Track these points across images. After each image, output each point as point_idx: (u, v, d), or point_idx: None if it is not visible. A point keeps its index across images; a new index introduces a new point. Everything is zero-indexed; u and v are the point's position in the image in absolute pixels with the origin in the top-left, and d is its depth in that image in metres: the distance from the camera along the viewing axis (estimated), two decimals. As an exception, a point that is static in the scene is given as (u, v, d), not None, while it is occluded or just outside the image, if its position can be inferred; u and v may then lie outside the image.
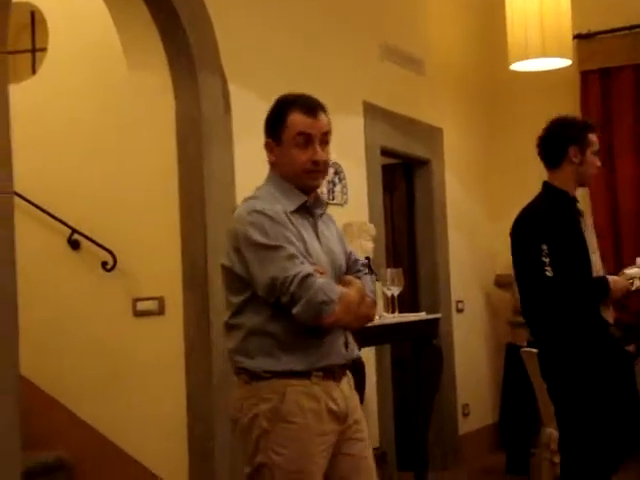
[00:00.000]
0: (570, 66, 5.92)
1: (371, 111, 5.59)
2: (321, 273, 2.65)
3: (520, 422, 5.93)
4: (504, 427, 6.38)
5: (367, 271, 2.95)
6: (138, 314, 4.40)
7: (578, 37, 6.52)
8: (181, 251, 4.25)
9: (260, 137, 4.52)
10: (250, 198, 2.81)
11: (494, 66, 6.84)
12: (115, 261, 4.45)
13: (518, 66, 5.71)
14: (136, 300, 4.40)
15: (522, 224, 3.87)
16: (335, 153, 5.03)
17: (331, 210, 4.94)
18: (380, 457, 4.99)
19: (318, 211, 2.85)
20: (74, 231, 4.56)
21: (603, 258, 4.09)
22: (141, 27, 4.22)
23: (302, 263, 2.61)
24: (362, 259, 3.03)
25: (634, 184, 6.54)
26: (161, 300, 4.34)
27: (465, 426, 6.52)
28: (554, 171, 3.87)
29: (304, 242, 2.70)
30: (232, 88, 4.37)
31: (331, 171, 5.07)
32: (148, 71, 4.32)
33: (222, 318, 4.10)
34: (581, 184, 3.92)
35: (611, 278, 3.79)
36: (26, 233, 4.70)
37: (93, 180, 4.56)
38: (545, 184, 3.91)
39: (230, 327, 2.78)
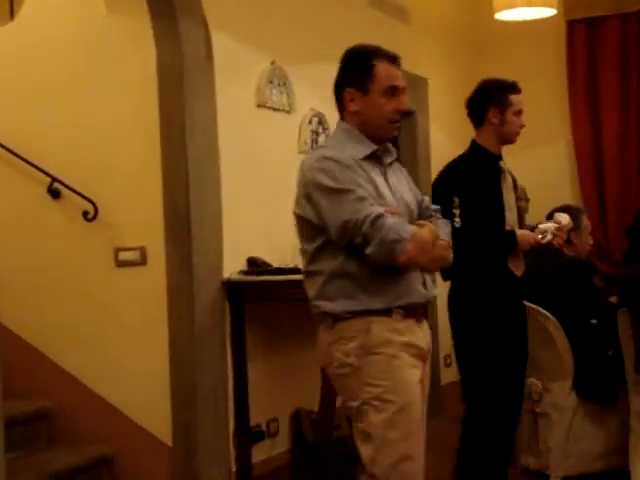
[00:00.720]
0: (556, 15, 5.86)
1: (356, 60, 5.52)
2: (393, 213, 2.68)
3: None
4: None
5: (439, 216, 2.98)
6: (120, 264, 4.38)
7: (565, -14, 6.47)
8: (163, 201, 4.21)
9: (242, 85, 4.52)
10: (319, 147, 2.90)
11: (480, 15, 6.78)
12: (96, 211, 4.40)
13: (504, 15, 5.65)
14: (118, 250, 4.37)
15: (439, 178, 4.00)
16: (319, 103, 5.04)
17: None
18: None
19: (387, 160, 2.89)
20: (54, 180, 4.50)
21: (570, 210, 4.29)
22: (120, -29, 4.14)
23: (372, 205, 2.65)
24: (435, 206, 3.04)
25: (619, 133, 6.53)
26: (143, 250, 4.31)
27: (447, 376, 6.56)
28: (478, 130, 4.01)
29: (375, 186, 2.74)
30: (214, 35, 4.30)
31: (315, 121, 5.02)
32: (128, 16, 4.25)
33: (203, 268, 4.16)
34: (504, 142, 4.03)
35: (519, 232, 3.89)
36: (4, 182, 4.67)
37: (73, 128, 4.50)
38: (472, 141, 4.05)
39: (308, 274, 2.83)
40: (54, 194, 4.53)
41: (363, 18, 5.58)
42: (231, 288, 4.31)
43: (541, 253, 4.77)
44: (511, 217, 3.91)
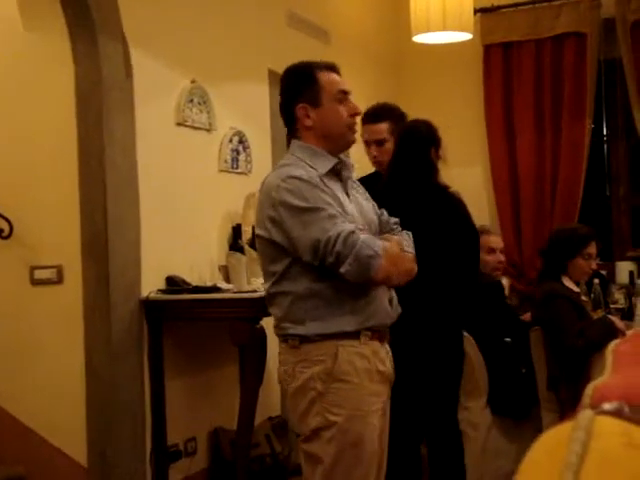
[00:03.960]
0: (473, 39, 5.98)
1: (276, 79, 5.50)
2: (361, 230, 2.66)
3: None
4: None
5: (400, 229, 2.94)
6: (36, 283, 4.32)
7: (481, 11, 6.60)
8: (80, 219, 4.18)
9: (162, 103, 4.51)
10: (281, 166, 2.81)
11: (399, 38, 6.88)
12: (11, 229, 4.34)
13: (421, 38, 5.74)
14: (34, 268, 4.32)
15: None
16: (240, 122, 5.07)
17: (235, 179, 4.97)
18: (280, 425, 5.02)
19: (346, 174, 2.86)
20: (-31, 197, 4.43)
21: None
22: (38, -12, 4.11)
23: (343, 222, 2.62)
24: (393, 218, 3.01)
25: (534, 155, 6.66)
26: (60, 269, 4.27)
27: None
28: None
29: (340, 203, 2.71)
30: (134, 53, 4.29)
31: (235, 140, 5.04)
32: (45, 33, 4.22)
33: (121, 287, 4.13)
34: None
35: None
36: None
37: (-11, 145, 4.44)
38: None
39: (273, 295, 2.78)
40: (-32, 211, 4.47)
41: (283, 38, 5.62)
42: (149, 307, 4.28)
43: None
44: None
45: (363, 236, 2.61)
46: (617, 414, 0.55)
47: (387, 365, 2.81)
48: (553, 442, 0.56)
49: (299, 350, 2.72)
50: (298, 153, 2.83)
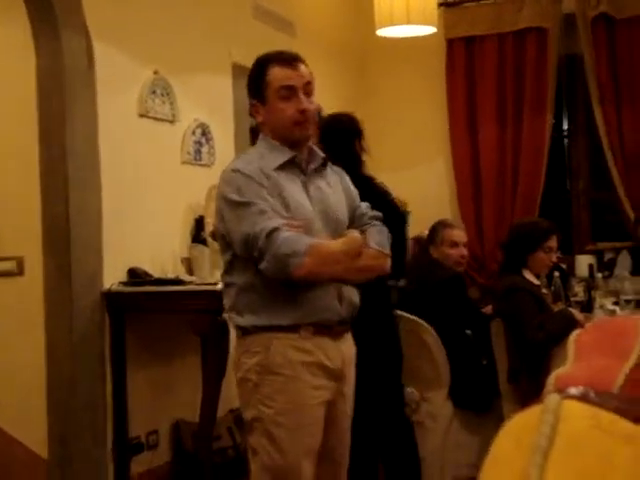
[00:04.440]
0: (436, 33, 6.00)
1: (240, 72, 5.53)
2: (296, 227, 2.63)
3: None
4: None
5: (377, 223, 2.89)
6: (-4, 274, 4.28)
7: (444, 5, 6.63)
8: (41, 211, 4.15)
9: (125, 94, 4.48)
10: (234, 159, 2.87)
11: (363, 31, 6.88)
12: (-29, 220, 4.31)
13: (385, 32, 5.75)
14: (-7, 260, 4.28)
15: None
16: (203, 114, 5.05)
17: (198, 171, 4.95)
18: (242, 417, 5.01)
19: (311, 166, 2.83)
20: None
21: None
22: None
23: (270, 218, 2.60)
24: (375, 212, 2.96)
25: (496, 150, 6.71)
26: (20, 260, 4.23)
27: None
28: None
29: (283, 197, 2.69)
30: (96, 44, 4.26)
31: (198, 132, 5.02)
32: (7, 25, 4.18)
33: (82, 279, 4.11)
34: None
35: None
36: None
37: (-52, 135, 4.38)
38: None
39: (225, 285, 2.82)
40: None
41: (248, 30, 5.61)
42: (111, 299, 4.26)
43: (420, 266, 4.89)
44: None
45: (287, 234, 2.59)
46: (583, 398, 0.56)
47: (335, 361, 2.78)
48: (522, 425, 0.57)
49: (243, 341, 2.75)
50: (259, 146, 2.85)
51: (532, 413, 0.58)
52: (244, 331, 2.74)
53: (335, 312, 2.76)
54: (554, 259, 4.54)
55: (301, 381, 2.70)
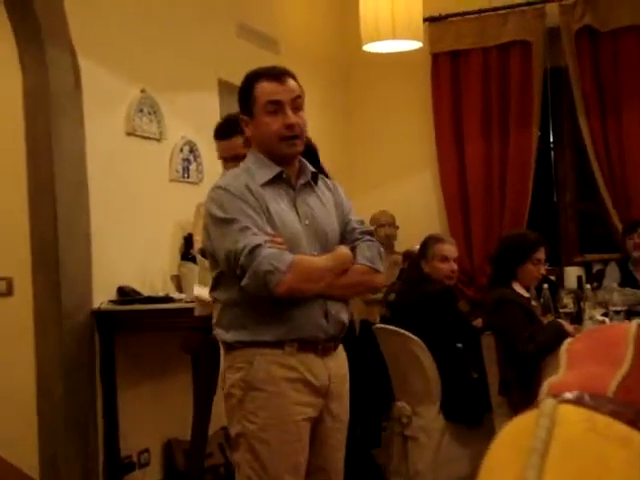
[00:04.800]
0: (422, 48, 6.03)
1: (227, 89, 5.55)
2: (279, 244, 2.61)
3: (372, 397, 6.04)
4: (356, 401, 6.48)
5: (368, 238, 2.86)
6: (-15, 295, 4.27)
7: (429, 20, 6.65)
8: (30, 230, 4.14)
9: (112, 113, 4.48)
10: (222, 175, 2.87)
11: (349, 47, 6.91)
12: (-41, 240, 4.29)
13: (371, 47, 5.78)
14: (-18, 281, 4.27)
15: None
16: (190, 131, 5.05)
17: (186, 189, 4.95)
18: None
19: (300, 181, 2.81)
20: None
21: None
22: (-16, -3, 4.07)
23: (254, 235, 2.59)
24: (366, 227, 2.96)
25: (483, 162, 6.73)
26: (9, 281, 4.23)
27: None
28: None
29: (268, 213, 2.68)
30: (82, 62, 4.26)
31: (186, 149, 5.02)
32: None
33: (72, 298, 4.10)
34: None
35: None
36: None
37: None
38: None
39: (213, 301, 2.84)
40: None
41: (232, 48, 5.62)
42: (101, 318, 4.25)
43: (410, 280, 4.90)
44: None
45: (268, 250, 2.57)
46: (578, 402, 0.56)
47: (321, 378, 2.75)
48: (517, 430, 0.57)
49: (228, 356, 2.76)
50: (247, 161, 2.83)
51: (528, 417, 0.58)
52: (229, 347, 2.74)
53: (321, 329, 2.73)
54: (543, 271, 4.56)
55: (285, 397, 2.68)
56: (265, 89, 2.75)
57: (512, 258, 4.50)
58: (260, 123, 2.76)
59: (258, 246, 2.57)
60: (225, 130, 3.75)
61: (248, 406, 2.68)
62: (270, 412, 2.67)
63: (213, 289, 2.81)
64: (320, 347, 2.75)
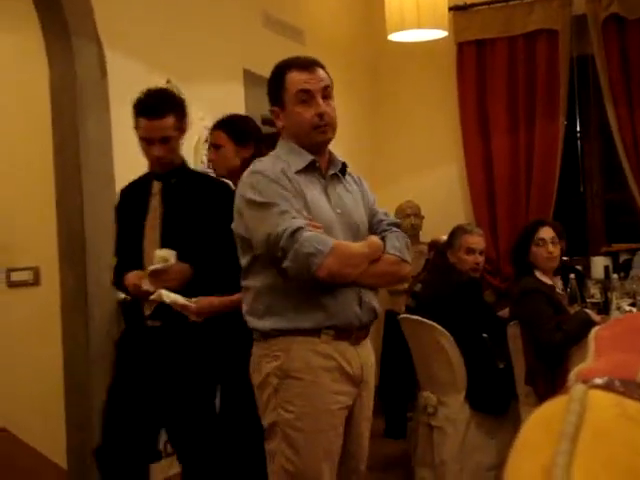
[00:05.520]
0: (447, 37, 6.01)
1: (252, 80, 5.56)
2: (316, 227, 2.63)
3: (398, 387, 6.04)
4: (383, 392, 6.49)
5: (395, 230, 2.89)
6: (12, 285, 4.31)
7: (455, 9, 6.62)
8: (57, 220, 4.17)
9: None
10: (256, 161, 2.84)
11: (374, 37, 6.89)
12: (-13, 231, 4.33)
13: (396, 36, 5.76)
14: (10, 270, 4.30)
15: None
16: (215, 121, 5.04)
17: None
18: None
19: (330, 171, 2.84)
20: (-57, 200, 4.41)
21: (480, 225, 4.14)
22: (11, -11, 4.10)
23: (294, 218, 2.61)
24: (392, 219, 2.98)
25: (509, 152, 6.70)
26: (36, 270, 4.25)
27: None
28: None
29: (304, 199, 2.70)
30: (108, 53, 4.28)
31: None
32: (19, 34, 4.20)
33: (98, 288, 4.12)
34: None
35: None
36: None
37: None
38: None
39: (242, 289, 2.81)
40: (-57, 214, 4.44)
41: (258, 38, 5.62)
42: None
43: (436, 270, 4.89)
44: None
45: (309, 233, 2.59)
46: (608, 387, 0.56)
47: (354, 366, 2.77)
48: (548, 415, 0.57)
49: (263, 344, 2.74)
50: (279, 149, 2.86)
51: (558, 403, 0.58)
52: (263, 334, 2.72)
53: (356, 316, 2.75)
54: (550, 249, 4.50)
55: (321, 386, 2.69)
56: (295, 79, 2.78)
57: (519, 245, 4.55)
58: (292, 113, 2.78)
59: (300, 229, 2.58)
60: (157, 107, 3.41)
61: (284, 394, 2.68)
62: (306, 401, 2.68)
63: (245, 276, 2.78)
64: (354, 335, 2.76)
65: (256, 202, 2.66)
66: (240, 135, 3.79)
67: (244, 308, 2.80)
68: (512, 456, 0.62)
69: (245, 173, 2.78)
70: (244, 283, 2.79)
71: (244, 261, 2.76)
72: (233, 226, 2.78)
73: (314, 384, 2.68)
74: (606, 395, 0.56)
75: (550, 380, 4.16)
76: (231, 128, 3.84)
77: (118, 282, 3.48)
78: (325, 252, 2.58)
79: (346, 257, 2.66)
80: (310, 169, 2.79)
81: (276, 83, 2.83)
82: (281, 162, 2.76)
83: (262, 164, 2.78)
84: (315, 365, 2.68)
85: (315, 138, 2.80)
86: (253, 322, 2.75)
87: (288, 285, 2.66)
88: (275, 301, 2.70)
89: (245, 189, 2.72)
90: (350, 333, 2.75)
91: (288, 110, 2.79)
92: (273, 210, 2.63)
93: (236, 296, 3.11)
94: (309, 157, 2.79)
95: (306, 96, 2.77)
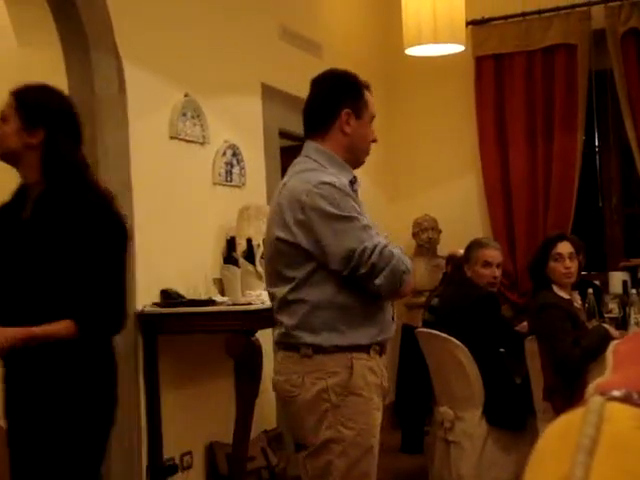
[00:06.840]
0: (465, 51, 6.01)
1: (269, 93, 5.58)
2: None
3: (415, 401, 6.02)
4: (399, 406, 6.48)
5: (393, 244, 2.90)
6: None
7: (472, 23, 6.63)
8: (74, 233, 4.17)
9: (156, 117, 4.51)
10: (305, 170, 2.75)
11: (391, 51, 6.90)
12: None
13: (413, 51, 5.77)
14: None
15: None
16: (233, 135, 5.08)
17: (229, 192, 4.98)
18: (276, 438, 5.02)
19: (356, 187, 2.87)
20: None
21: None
22: (31, 2, 4.11)
23: (377, 234, 2.65)
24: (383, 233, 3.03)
25: (526, 168, 6.69)
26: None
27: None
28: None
29: (364, 214, 2.73)
30: (127, 67, 4.30)
31: (229, 153, 5.05)
32: (39, 48, 4.22)
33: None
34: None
35: None
36: None
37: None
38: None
39: (289, 302, 2.71)
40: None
41: (275, 52, 5.64)
42: (144, 320, 4.28)
43: (454, 284, 4.88)
44: None
45: (397, 250, 2.63)
46: (626, 400, 0.56)
47: (385, 380, 2.82)
48: (565, 426, 0.57)
49: (311, 360, 2.68)
50: (315, 156, 2.80)
51: (576, 414, 0.58)
52: (316, 350, 2.66)
53: (392, 330, 2.82)
54: (568, 264, 4.47)
55: (373, 402, 2.72)
56: (371, 100, 2.91)
57: (537, 261, 4.52)
58: (365, 128, 2.86)
59: (387, 245, 2.61)
60: None
61: (345, 411, 2.66)
62: (367, 417, 2.70)
63: (295, 289, 2.69)
64: (385, 348, 2.81)
65: (335, 215, 2.61)
66: (31, 114, 2.90)
67: (290, 322, 2.69)
68: (530, 467, 0.61)
69: (305, 183, 2.66)
70: (294, 296, 2.69)
71: (298, 273, 2.67)
72: (286, 235, 2.67)
73: (369, 401, 2.70)
74: (624, 407, 0.56)
75: (568, 396, 4.13)
76: (23, 102, 2.92)
77: None
78: (410, 270, 2.64)
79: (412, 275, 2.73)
80: (349, 184, 2.80)
81: (356, 92, 2.87)
82: (338, 174, 2.75)
83: (324, 175, 2.70)
84: (370, 382, 2.71)
85: (363, 159, 2.91)
86: (306, 337, 2.67)
87: (349, 300, 2.65)
88: (334, 316, 2.66)
89: (317, 200, 2.62)
90: (386, 348, 2.80)
91: (362, 124, 2.85)
92: (354, 224, 2.61)
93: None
94: (351, 173, 2.83)
95: (372, 121, 2.89)
